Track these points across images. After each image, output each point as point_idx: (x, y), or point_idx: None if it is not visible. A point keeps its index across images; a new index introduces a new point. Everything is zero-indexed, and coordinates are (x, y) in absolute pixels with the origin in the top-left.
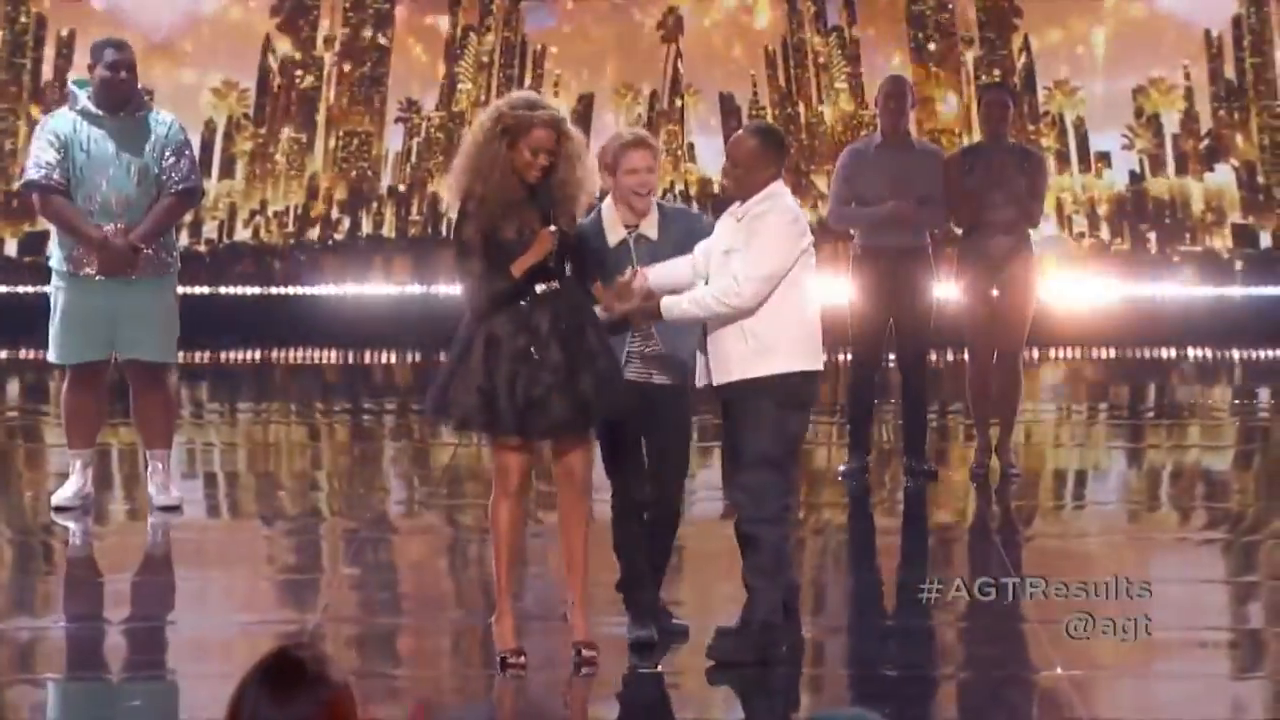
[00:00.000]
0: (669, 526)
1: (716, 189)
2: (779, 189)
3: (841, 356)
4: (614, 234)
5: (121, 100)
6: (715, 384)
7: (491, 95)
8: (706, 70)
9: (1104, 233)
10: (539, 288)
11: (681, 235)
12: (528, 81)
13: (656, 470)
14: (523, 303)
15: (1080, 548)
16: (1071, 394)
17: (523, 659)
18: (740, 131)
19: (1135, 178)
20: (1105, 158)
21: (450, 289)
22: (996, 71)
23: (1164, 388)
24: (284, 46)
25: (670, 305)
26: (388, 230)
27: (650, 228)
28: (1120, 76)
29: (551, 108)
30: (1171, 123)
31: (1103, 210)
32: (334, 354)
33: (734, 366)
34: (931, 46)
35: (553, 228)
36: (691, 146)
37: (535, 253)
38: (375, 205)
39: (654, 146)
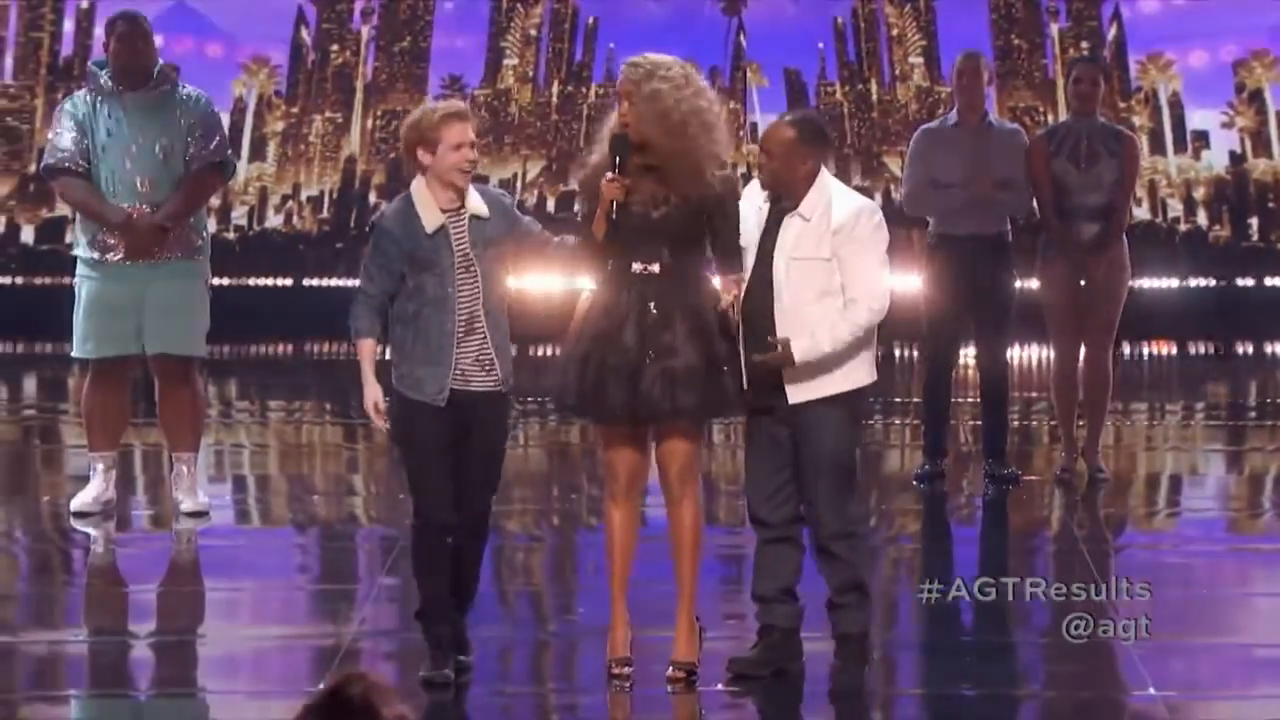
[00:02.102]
0: (477, 548)
1: None
2: (830, 182)
3: (915, 353)
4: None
5: (140, 75)
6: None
7: (539, 71)
8: (771, 44)
9: (1201, 218)
10: (635, 267)
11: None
12: (578, 57)
13: (465, 485)
14: (614, 282)
15: (1174, 558)
16: (1165, 392)
17: (627, 670)
18: (776, 119)
19: (1236, 159)
20: (1203, 137)
21: None
22: (1085, 44)
23: (1266, 386)
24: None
25: (808, 350)
26: None
27: (480, 206)
28: (1220, 48)
29: (663, 60)
30: (1276, 98)
31: (1200, 194)
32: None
33: (809, 383)
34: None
35: (610, 175)
36: (755, 126)
37: (602, 206)
38: None
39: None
